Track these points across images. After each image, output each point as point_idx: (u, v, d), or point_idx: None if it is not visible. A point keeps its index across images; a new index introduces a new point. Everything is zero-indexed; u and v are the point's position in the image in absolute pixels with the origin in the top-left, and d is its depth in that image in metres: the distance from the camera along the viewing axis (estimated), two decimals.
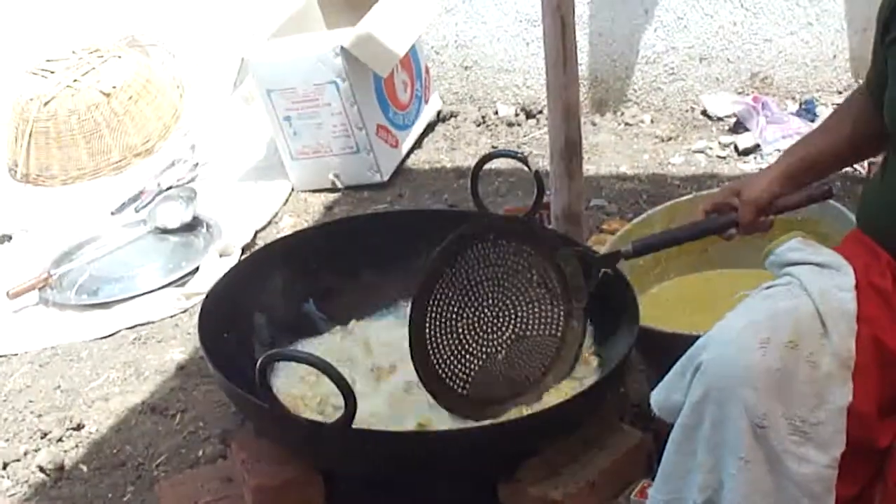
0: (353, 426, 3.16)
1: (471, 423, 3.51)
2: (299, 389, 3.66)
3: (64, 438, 4.33)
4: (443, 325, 3.57)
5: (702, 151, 5.72)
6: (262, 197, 5.77)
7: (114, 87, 6.21)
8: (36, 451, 4.29)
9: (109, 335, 4.95)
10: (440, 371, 3.56)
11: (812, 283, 2.93)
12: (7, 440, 4.38)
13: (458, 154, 5.97)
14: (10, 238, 5.73)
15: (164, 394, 4.51)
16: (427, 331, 3.55)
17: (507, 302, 3.68)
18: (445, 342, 3.57)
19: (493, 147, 5.26)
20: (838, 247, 3.11)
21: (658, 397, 3.01)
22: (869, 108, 3.28)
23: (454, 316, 3.59)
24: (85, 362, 4.78)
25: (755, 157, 5.56)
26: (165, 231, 5.50)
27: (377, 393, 3.71)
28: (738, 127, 5.77)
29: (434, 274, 3.55)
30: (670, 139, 5.87)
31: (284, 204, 5.76)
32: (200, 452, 4.14)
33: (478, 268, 3.64)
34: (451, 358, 3.58)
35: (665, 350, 3.07)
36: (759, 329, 2.83)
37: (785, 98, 5.86)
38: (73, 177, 6.15)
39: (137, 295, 5.16)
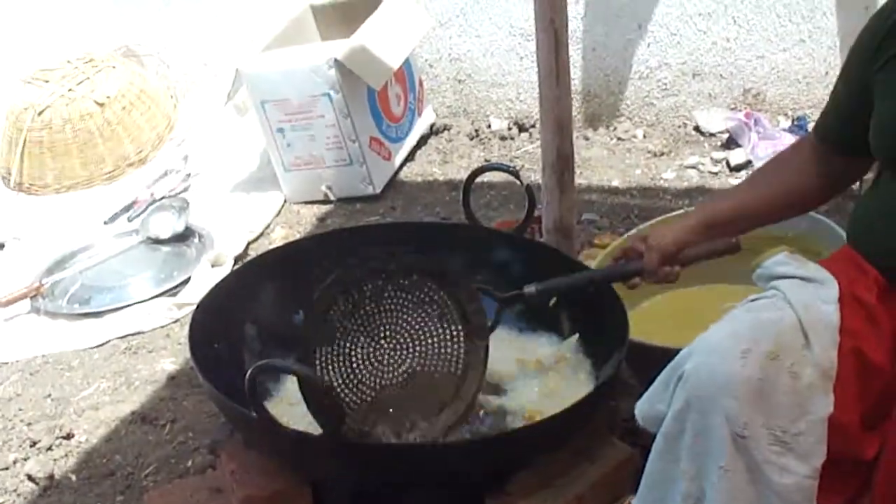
0: (343, 437, 3.18)
1: (460, 437, 3.51)
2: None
3: (53, 447, 4.35)
4: (335, 356, 3.52)
5: (694, 167, 5.74)
6: (255, 208, 5.79)
7: (108, 97, 6.23)
8: (25, 459, 4.31)
9: (100, 344, 4.97)
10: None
11: (796, 296, 2.96)
12: None
13: (451, 167, 5.99)
14: (2, 246, 5.76)
15: (155, 404, 4.53)
16: (317, 362, 3.50)
17: (406, 336, 3.63)
18: (336, 370, 3.52)
19: (485, 160, 5.29)
20: (825, 261, 3.14)
21: (642, 407, 3.04)
22: (815, 158, 3.36)
23: (348, 347, 3.53)
24: (76, 371, 4.80)
25: (747, 173, 5.56)
26: (157, 241, 5.53)
27: None
28: (731, 143, 5.79)
29: (319, 315, 3.49)
30: (662, 154, 5.89)
31: (277, 215, 5.78)
32: (190, 462, 4.16)
33: (373, 302, 3.58)
34: (343, 386, 3.52)
35: (655, 364, 3.08)
36: (740, 340, 2.86)
37: (777, 114, 5.89)
38: (67, 186, 6.17)
39: (129, 305, 5.18)
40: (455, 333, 3.64)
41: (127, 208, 5.89)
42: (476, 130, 6.28)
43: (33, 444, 4.38)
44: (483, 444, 3.41)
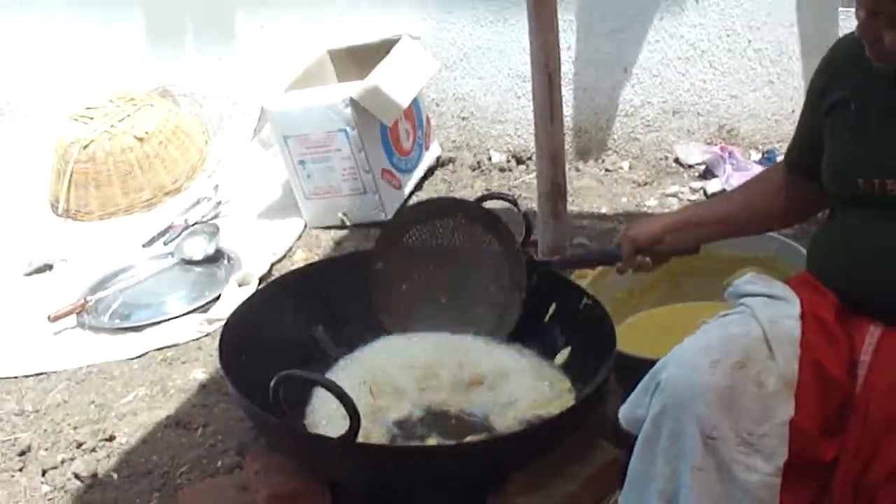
0: (357, 441, 3.19)
1: (464, 440, 3.51)
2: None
3: (97, 449, 4.36)
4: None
5: (674, 195, 5.74)
6: (278, 232, 5.80)
7: (146, 133, 6.24)
8: (72, 459, 4.31)
9: (139, 356, 4.96)
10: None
11: (762, 312, 2.99)
12: (46, 449, 4.41)
13: (457, 194, 5.98)
14: (51, 267, 5.76)
15: (188, 410, 4.53)
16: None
17: (461, 272, 3.91)
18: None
19: (486, 190, 5.30)
20: (789, 281, 3.16)
21: (625, 412, 3.07)
22: (784, 184, 3.40)
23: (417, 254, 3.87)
24: (117, 380, 4.81)
25: None
26: (190, 262, 5.53)
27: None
28: (707, 174, 5.80)
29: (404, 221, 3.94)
30: (646, 184, 5.89)
31: (298, 239, 5.78)
32: (219, 463, 4.16)
33: (444, 233, 3.91)
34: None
35: (638, 373, 3.09)
36: (711, 351, 2.90)
37: (749, 148, 5.88)
38: (109, 213, 6.18)
39: (165, 320, 5.18)
40: (502, 283, 3.84)
41: (163, 233, 5.89)
42: (478, 162, 6.28)
43: (79, 445, 4.39)
44: (485, 446, 3.41)
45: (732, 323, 3.01)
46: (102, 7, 6.76)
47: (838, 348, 2.98)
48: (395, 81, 5.75)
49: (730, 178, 5.61)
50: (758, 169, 5.57)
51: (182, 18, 6.73)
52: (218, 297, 5.26)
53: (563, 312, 3.86)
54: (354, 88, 5.63)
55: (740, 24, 5.85)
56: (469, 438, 3.51)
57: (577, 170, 6.01)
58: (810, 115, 3.24)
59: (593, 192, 5.87)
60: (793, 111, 3.63)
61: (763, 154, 5.77)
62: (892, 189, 2.95)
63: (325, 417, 3.60)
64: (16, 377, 4.90)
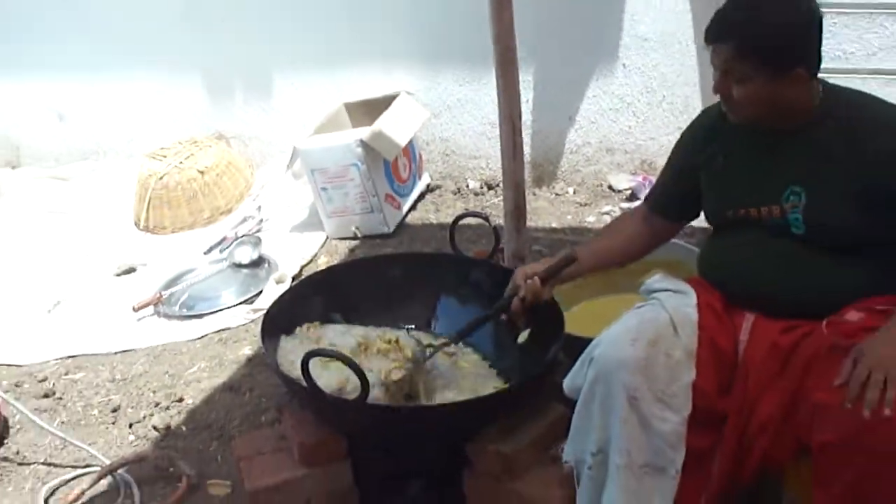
0: (368, 402, 3.21)
1: (449, 401, 3.51)
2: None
3: (170, 407, 4.40)
4: None
5: (608, 213, 5.75)
6: (306, 242, 5.79)
7: (206, 167, 6.24)
8: (151, 415, 4.35)
9: (201, 337, 5.00)
10: None
11: (668, 303, 3.07)
12: (132, 408, 4.44)
13: (441, 214, 6.00)
14: (135, 269, 5.76)
15: (238, 378, 4.56)
16: None
17: None
18: None
19: (465, 209, 5.31)
20: (690, 279, 3.21)
21: (567, 382, 3.14)
22: (645, 221, 3.48)
23: None
24: (184, 355, 4.84)
25: None
26: (239, 265, 5.53)
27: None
28: (632, 197, 5.80)
29: None
30: (586, 205, 5.90)
31: (321, 247, 5.78)
32: (262, 418, 4.21)
33: None
34: None
35: (581, 350, 3.12)
36: (631, 333, 2.98)
37: None
38: (178, 228, 6.17)
39: (220, 310, 5.21)
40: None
41: (219, 243, 5.88)
42: (458, 189, 6.27)
43: (156, 405, 4.42)
44: (465, 406, 3.40)
45: (646, 311, 3.09)
46: (172, 72, 6.76)
47: (726, 329, 3.05)
48: (395, 127, 5.76)
49: None
50: None
51: (232, 80, 6.73)
52: (260, 292, 5.29)
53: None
54: (364, 132, 5.67)
55: (656, 83, 5.86)
56: (453, 400, 3.49)
57: (534, 194, 6.00)
58: (678, 167, 3.34)
59: (546, 211, 5.88)
60: None
61: None
62: (753, 215, 3.01)
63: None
64: (108, 353, 4.92)
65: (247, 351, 4.79)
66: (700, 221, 3.41)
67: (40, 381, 4.72)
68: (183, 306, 5.28)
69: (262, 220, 6.11)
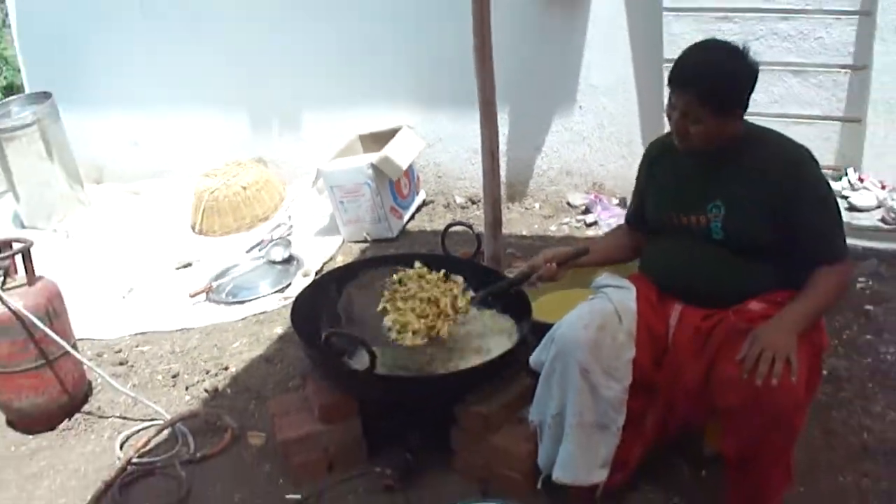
0: (375, 373, 3.22)
1: (440, 371, 3.48)
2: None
3: (218, 374, 4.39)
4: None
5: (567, 224, 5.74)
6: (327, 245, 5.77)
7: (248, 184, 6.22)
8: (203, 381, 4.34)
9: (242, 318, 4.97)
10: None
11: (613, 295, 3.10)
12: (188, 374, 4.42)
13: (434, 223, 5.97)
14: (191, 264, 5.74)
15: (272, 351, 4.54)
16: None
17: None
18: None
19: (453, 220, 5.25)
20: (631, 276, 3.21)
21: (533, 358, 3.17)
22: (629, 234, 3.46)
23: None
24: (229, 333, 4.81)
25: (594, 228, 5.60)
26: (274, 262, 5.50)
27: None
28: (587, 211, 5.79)
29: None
30: (550, 217, 5.89)
31: (338, 248, 5.75)
32: (290, 384, 4.19)
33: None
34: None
35: (544, 333, 3.12)
36: (583, 319, 3.01)
37: (611, 196, 5.89)
38: (225, 232, 6.15)
39: (259, 297, 5.18)
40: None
41: (257, 244, 5.85)
42: (448, 203, 6.26)
43: (207, 372, 4.41)
44: (454, 376, 3.40)
45: (596, 302, 3.10)
46: (223, 108, 6.76)
47: (659, 316, 3.07)
48: (399, 153, 5.75)
49: (600, 214, 5.61)
50: (617, 209, 5.59)
51: (270, 115, 6.73)
52: (290, 284, 5.27)
53: (499, 295, 3.83)
54: (374, 158, 5.65)
55: (606, 121, 5.85)
56: (442, 371, 3.47)
57: (508, 208, 5.98)
58: (639, 191, 3.34)
59: (518, 222, 5.86)
60: (634, 174, 3.67)
61: (620, 200, 5.77)
62: (685, 222, 3.02)
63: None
64: (170, 331, 4.90)
65: (279, 330, 4.76)
66: None
67: (116, 353, 4.70)
68: (229, 294, 5.24)
69: (291, 227, 6.09)
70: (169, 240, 6.18)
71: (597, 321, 2.97)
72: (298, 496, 3.40)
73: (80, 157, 6.91)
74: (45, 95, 6.55)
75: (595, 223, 5.63)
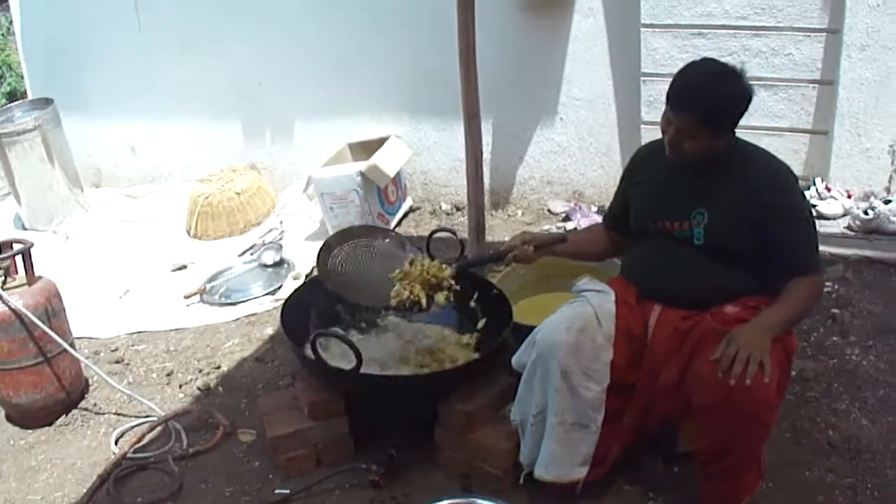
0: (360, 372, 3.21)
1: (423, 371, 3.51)
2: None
3: (210, 373, 4.36)
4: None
5: (547, 230, 5.70)
6: (316, 248, 5.68)
7: (242, 190, 6.19)
8: (196, 379, 4.31)
9: (235, 319, 4.94)
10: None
11: (593, 299, 3.10)
12: (182, 372, 4.38)
13: (420, 229, 5.94)
14: (186, 267, 5.71)
15: (263, 351, 4.51)
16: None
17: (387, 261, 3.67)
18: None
19: (438, 226, 5.25)
20: (609, 281, 3.21)
21: (514, 359, 3.18)
22: (605, 233, 3.47)
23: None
24: (222, 333, 4.78)
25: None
26: (265, 265, 5.46)
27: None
28: (567, 218, 5.76)
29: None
30: (531, 224, 5.86)
31: None
32: (280, 383, 4.16)
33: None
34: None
35: (526, 335, 3.12)
36: (564, 322, 3.01)
37: (591, 204, 5.86)
38: (219, 236, 6.12)
39: (251, 299, 5.14)
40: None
41: (250, 248, 5.83)
42: (434, 210, 6.24)
43: (200, 370, 4.38)
44: (437, 376, 3.43)
45: (576, 306, 3.10)
46: (218, 117, 6.72)
47: (637, 318, 3.07)
48: (386, 162, 5.73)
49: (579, 221, 5.60)
50: (595, 216, 5.57)
51: (263, 125, 6.69)
52: (281, 286, 5.23)
53: (482, 298, 3.84)
54: (363, 166, 5.63)
55: (585, 133, 5.84)
56: (425, 371, 3.50)
57: (492, 215, 5.97)
58: (622, 193, 3.31)
59: (500, 228, 5.83)
60: (614, 184, 3.66)
61: (598, 208, 5.75)
62: (667, 227, 3.02)
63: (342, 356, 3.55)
64: (164, 331, 4.87)
65: (269, 331, 4.73)
66: None
67: (113, 351, 4.66)
68: (222, 296, 5.21)
69: (283, 231, 6.06)
70: (165, 243, 6.14)
71: (577, 324, 2.97)
72: (287, 491, 3.38)
73: (79, 161, 6.89)
74: (47, 101, 6.53)
75: (575, 230, 5.58)
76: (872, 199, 5.17)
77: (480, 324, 3.82)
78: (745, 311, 2.92)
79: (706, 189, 2.95)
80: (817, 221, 4.86)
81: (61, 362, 4.00)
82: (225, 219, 6.16)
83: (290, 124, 6.62)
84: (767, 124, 5.32)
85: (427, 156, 6.29)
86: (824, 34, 5.15)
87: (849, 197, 5.20)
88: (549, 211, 5.98)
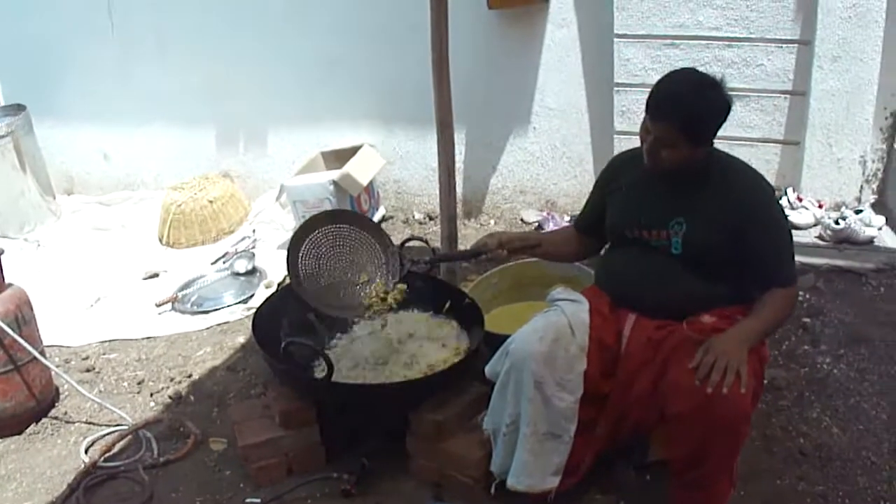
0: (332, 381, 3.22)
1: (395, 380, 3.48)
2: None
3: (181, 381, 4.32)
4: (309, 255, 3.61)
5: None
6: None
7: (214, 198, 6.16)
8: (167, 387, 4.27)
9: (207, 328, 4.91)
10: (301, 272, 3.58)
11: (567, 309, 3.09)
12: (153, 381, 4.35)
13: (393, 237, 5.79)
14: (158, 275, 5.67)
15: (235, 360, 4.49)
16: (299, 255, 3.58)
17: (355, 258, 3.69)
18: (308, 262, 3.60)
19: (411, 234, 5.25)
20: (584, 291, 3.20)
21: (488, 369, 3.18)
22: (576, 236, 3.47)
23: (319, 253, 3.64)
24: (194, 342, 4.75)
25: None
26: (238, 274, 5.44)
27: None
28: (539, 228, 5.76)
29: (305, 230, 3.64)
30: None
31: None
32: (252, 392, 4.14)
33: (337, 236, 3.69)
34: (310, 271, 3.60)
35: (499, 344, 3.12)
36: (537, 331, 3.01)
37: (563, 213, 5.86)
38: (192, 244, 6.08)
39: (222, 307, 5.12)
40: (380, 267, 3.72)
41: (222, 256, 5.80)
42: (406, 219, 6.22)
43: (171, 379, 4.35)
44: (408, 384, 3.40)
45: (550, 315, 3.09)
46: (191, 125, 6.69)
47: (610, 328, 3.07)
48: (359, 170, 5.72)
49: (552, 230, 5.61)
50: (567, 226, 5.58)
51: (236, 133, 6.66)
52: (253, 295, 5.20)
53: (454, 306, 3.83)
54: (335, 174, 5.62)
55: (558, 142, 5.84)
56: (396, 380, 3.47)
57: (464, 224, 5.97)
58: (596, 199, 3.30)
59: (473, 237, 5.78)
60: (585, 193, 3.66)
61: (571, 217, 5.74)
62: (644, 236, 3.02)
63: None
64: (136, 339, 4.83)
65: (241, 339, 4.71)
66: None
67: (84, 359, 4.63)
68: (194, 304, 5.18)
69: (255, 240, 6.03)
70: (137, 251, 6.10)
71: (551, 334, 2.96)
72: (258, 500, 3.35)
73: (52, 168, 6.84)
74: (20, 108, 6.49)
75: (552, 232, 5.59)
76: (843, 209, 5.20)
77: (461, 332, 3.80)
78: (721, 320, 2.92)
79: (684, 199, 2.95)
80: None
81: (31, 370, 3.95)
82: (197, 227, 6.12)
83: (264, 133, 6.59)
84: (740, 134, 5.34)
85: (400, 165, 6.28)
86: (796, 45, 5.17)
87: (820, 207, 5.23)
88: (521, 220, 5.98)
